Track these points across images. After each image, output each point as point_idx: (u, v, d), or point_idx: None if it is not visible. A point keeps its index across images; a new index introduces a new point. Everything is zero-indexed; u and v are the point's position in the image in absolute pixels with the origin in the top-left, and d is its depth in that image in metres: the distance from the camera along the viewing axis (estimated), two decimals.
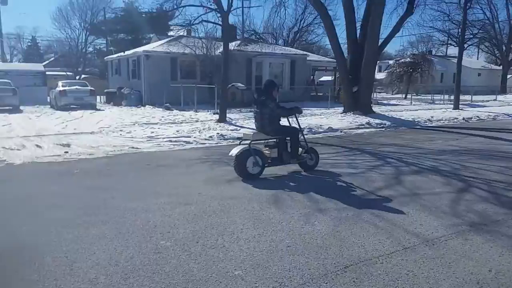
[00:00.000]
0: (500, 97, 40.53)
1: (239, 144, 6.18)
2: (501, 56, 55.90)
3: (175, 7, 13.83)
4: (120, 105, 21.81)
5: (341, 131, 12.25)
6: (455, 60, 58.30)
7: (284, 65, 24.38)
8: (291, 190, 5.33)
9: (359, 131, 12.46)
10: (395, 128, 13.26)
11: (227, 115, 14.08)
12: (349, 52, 16.00)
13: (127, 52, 25.23)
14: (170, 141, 9.86)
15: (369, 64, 15.09)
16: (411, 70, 31.05)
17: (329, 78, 33.58)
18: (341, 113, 16.19)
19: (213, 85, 21.55)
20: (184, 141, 9.85)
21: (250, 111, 18.21)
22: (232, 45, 24.40)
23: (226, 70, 13.10)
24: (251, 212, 4.34)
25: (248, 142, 5.98)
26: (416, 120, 14.73)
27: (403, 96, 31.64)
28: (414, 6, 15.15)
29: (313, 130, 11.87)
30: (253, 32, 44.16)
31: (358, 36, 15.81)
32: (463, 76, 56.12)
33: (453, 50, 76.99)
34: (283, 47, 30.19)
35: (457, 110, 18.68)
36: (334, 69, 27.45)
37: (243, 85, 20.84)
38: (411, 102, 25.64)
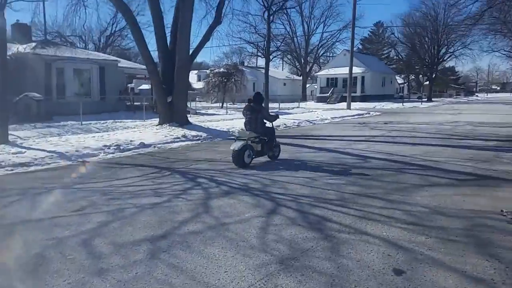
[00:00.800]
0: (302, 104, 46.22)
1: (235, 141, 7.98)
2: (301, 67, 64.15)
3: None
4: None
5: (154, 147, 11.20)
6: (264, 71, 63.91)
7: (92, 71, 21.96)
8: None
9: (174, 145, 11.63)
10: (211, 140, 12.95)
11: (14, 132, 11.41)
12: (161, 60, 15.11)
13: None
14: None
15: (181, 72, 14.49)
16: (225, 80, 32.31)
17: (148, 86, 32.21)
18: (156, 125, 15.14)
19: None
20: None
21: (48, 126, 15.55)
22: (24, 48, 20.71)
23: (5, 76, 10.51)
24: None
25: (243, 138, 7.93)
26: (231, 131, 14.79)
27: (220, 105, 32.67)
28: (222, 15, 15.31)
29: (121, 147, 10.46)
30: (57, 34, 39.22)
31: (169, 44, 15.05)
32: (271, 85, 62.09)
33: (262, 61, 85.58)
34: (91, 52, 27.44)
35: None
36: None
37: (39, 95, 17.68)
38: (227, 112, 26.42)
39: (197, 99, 43.59)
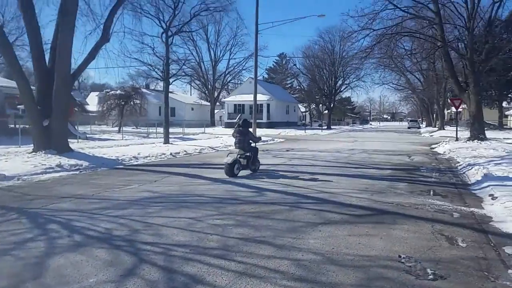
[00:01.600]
0: (209, 129, 45.48)
1: (227, 156, 10.20)
2: (209, 93, 63.75)
3: None
4: None
5: (18, 179, 9.31)
6: (171, 95, 62.26)
7: None
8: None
9: (44, 177, 9.82)
10: (94, 169, 11.31)
11: None
12: (37, 79, 13.11)
13: None
14: None
15: (61, 93, 12.69)
16: (123, 103, 30.19)
17: None
18: (30, 153, 12.95)
19: None
20: None
21: None
22: None
23: None
24: None
25: (234, 155, 10.16)
26: (120, 158, 13.24)
27: (118, 129, 30.35)
28: (110, 33, 13.88)
29: None
30: None
31: (48, 61, 13.17)
32: (178, 110, 60.66)
33: (173, 86, 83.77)
34: None
35: (166, 145, 18.51)
36: None
37: None
38: (122, 137, 24.35)
39: (96, 122, 40.37)
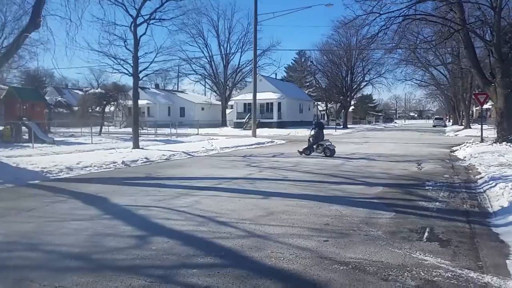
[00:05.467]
0: (216, 130, 43.00)
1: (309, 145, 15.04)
2: (219, 92, 61.16)
3: None
4: None
5: None
6: (181, 95, 60.16)
7: None
8: None
9: None
10: None
11: None
12: None
13: None
14: None
15: None
16: (104, 102, 27.85)
17: None
18: None
19: None
20: None
21: None
22: None
23: None
24: None
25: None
26: (47, 170, 10.67)
27: (99, 131, 28.00)
28: (40, 17, 11.21)
29: None
30: None
31: None
32: (189, 110, 58.44)
33: (182, 85, 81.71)
34: None
35: (132, 151, 15.87)
36: None
37: None
38: (92, 141, 21.74)
39: (105, 123, 38.41)
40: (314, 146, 15.50)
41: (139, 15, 16.69)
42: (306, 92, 67.75)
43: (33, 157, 13.34)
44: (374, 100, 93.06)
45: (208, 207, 6.60)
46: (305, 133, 37.59)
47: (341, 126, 51.43)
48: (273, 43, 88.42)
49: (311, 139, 15.70)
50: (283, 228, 5.40)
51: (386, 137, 31.49)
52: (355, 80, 58.20)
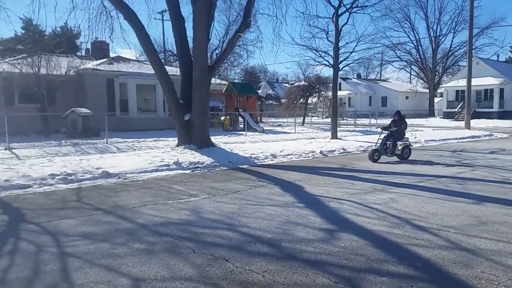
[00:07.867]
0: (422, 121, 39.69)
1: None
2: (427, 79, 56.03)
3: None
4: None
5: (119, 177, 8.92)
6: (383, 83, 58.05)
7: (157, 87, 21.11)
8: None
9: (150, 175, 9.28)
10: (211, 169, 10.24)
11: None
12: (181, 73, 13.00)
13: None
14: None
15: (199, 86, 12.13)
16: (307, 94, 28.82)
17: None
18: (173, 147, 13.07)
19: (50, 111, 18.04)
20: None
21: (76, 144, 14.39)
22: (96, 64, 21.10)
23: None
24: None
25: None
26: (254, 156, 11.82)
27: (302, 121, 29.29)
28: (251, 17, 12.33)
29: (69, 179, 8.49)
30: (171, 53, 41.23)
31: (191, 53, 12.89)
32: (391, 99, 55.99)
33: (385, 73, 78.25)
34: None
35: (330, 141, 16.07)
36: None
37: (87, 111, 17.37)
38: (295, 130, 22.90)
39: (309, 114, 40.69)
40: None
41: (341, 4, 16.61)
42: None
43: (245, 144, 15.04)
44: None
45: (405, 207, 6.00)
46: None
47: None
48: (495, 19, 74.96)
49: None
50: (499, 243, 4.40)
51: None
52: None
